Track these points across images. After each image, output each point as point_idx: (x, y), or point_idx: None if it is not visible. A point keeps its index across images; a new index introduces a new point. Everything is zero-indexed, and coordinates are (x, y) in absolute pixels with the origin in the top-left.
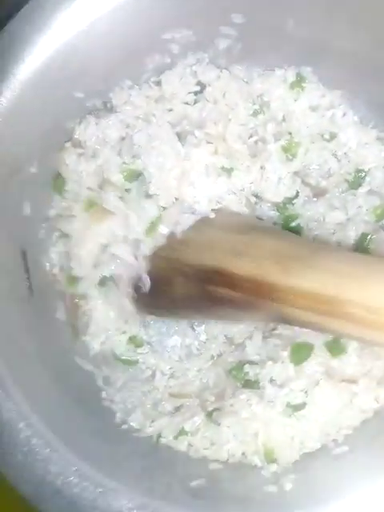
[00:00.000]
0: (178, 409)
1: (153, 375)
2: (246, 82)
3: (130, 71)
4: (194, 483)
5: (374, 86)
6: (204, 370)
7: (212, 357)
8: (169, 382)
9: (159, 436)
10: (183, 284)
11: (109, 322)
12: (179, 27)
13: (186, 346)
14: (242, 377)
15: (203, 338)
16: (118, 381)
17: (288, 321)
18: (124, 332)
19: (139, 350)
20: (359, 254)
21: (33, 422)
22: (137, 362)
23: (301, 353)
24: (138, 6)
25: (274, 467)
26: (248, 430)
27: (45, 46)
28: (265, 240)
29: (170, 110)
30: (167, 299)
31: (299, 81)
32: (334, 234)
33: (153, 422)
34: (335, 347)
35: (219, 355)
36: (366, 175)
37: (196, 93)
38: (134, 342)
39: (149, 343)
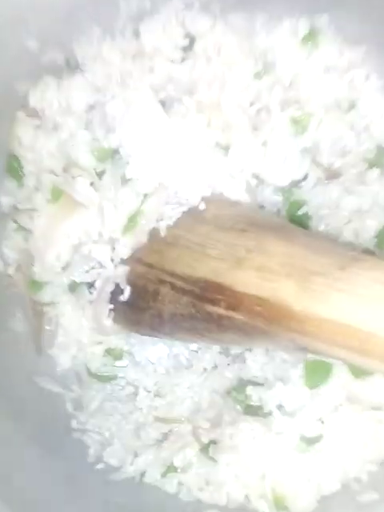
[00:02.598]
0: (165, 436)
1: (135, 393)
2: (247, 36)
3: (101, 16)
4: None
5: None
6: (196, 387)
7: (205, 370)
8: (154, 402)
9: (143, 475)
10: (172, 299)
11: (81, 331)
12: None
13: (174, 356)
14: (243, 400)
15: (194, 346)
16: (91, 403)
17: (307, 351)
18: (100, 342)
19: (118, 363)
20: None
21: None
22: (115, 377)
23: (317, 374)
24: None
25: None
26: (252, 469)
27: None
28: (273, 242)
29: (152, 70)
30: (152, 315)
31: (312, 34)
32: (349, 223)
33: (135, 456)
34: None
35: (214, 368)
36: None
37: (184, 48)
38: (112, 353)
39: (130, 354)
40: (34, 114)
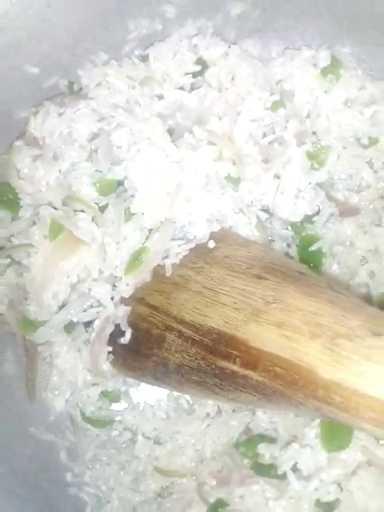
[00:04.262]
0: (166, 490)
1: (133, 439)
2: (263, 64)
3: (107, 39)
4: None
5: None
6: (198, 435)
7: (208, 415)
8: (153, 450)
9: None
10: (179, 348)
11: (76, 372)
12: None
13: (174, 399)
14: (252, 456)
15: None
16: (87, 451)
17: (338, 421)
18: (95, 384)
19: (114, 407)
20: None
21: None
22: (112, 421)
23: (336, 437)
24: None
25: None
26: None
27: None
28: (294, 295)
29: (161, 98)
30: (155, 363)
31: (333, 65)
32: (365, 264)
33: None
34: None
35: (218, 414)
36: None
37: (195, 74)
38: (109, 395)
39: (127, 395)
40: (33, 142)
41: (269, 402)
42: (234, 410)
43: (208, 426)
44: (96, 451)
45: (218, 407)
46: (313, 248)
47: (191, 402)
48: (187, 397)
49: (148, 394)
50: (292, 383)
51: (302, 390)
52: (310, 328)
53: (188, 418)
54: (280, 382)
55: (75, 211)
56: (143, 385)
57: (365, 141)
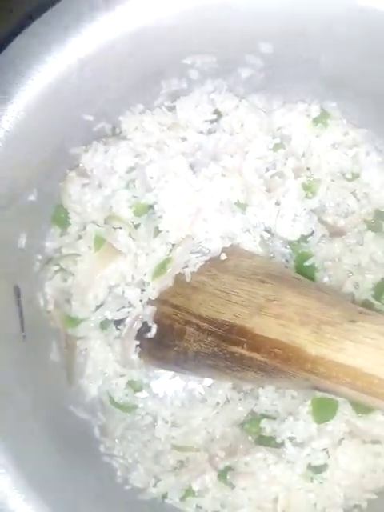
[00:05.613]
0: (182, 463)
1: (153, 423)
2: (266, 114)
3: (144, 95)
4: None
5: None
6: (209, 419)
7: (217, 404)
8: (171, 431)
9: (164, 497)
10: (197, 338)
11: (107, 364)
12: (202, 53)
13: (189, 391)
14: (256, 431)
15: (208, 382)
16: (115, 430)
17: (321, 390)
18: (122, 375)
19: (138, 395)
20: None
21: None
22: (136, 407)
23: (324, 411)
24: (162, 29)
25: None
26: (266, 493)
27: (55, 66)
28: (289, 294)
29: (184, 139)
30: (177, 353)
31: (322, 116)
32: (350, 276)
33: (157, 480)
34: (361, 405)
35: (226, 402)
36: None
37: (212, 121)
38: (133, 386)
39: (148, 386)
40: (83, 173)
41: (269, 378)
42: (240, 399)
43: (217, 412)
44: (123, 431)
45: (226, 397)
46: (307, 263)
47: (203, 393)
48: (200, 388)
49: (166, 386)
50: (287, 360)
51: (295, 365)
52: (301, 318)
53: (201, 405)
54: (278, 360)
55: (114, 228)
56: (162, 378)
57: (349, 176)
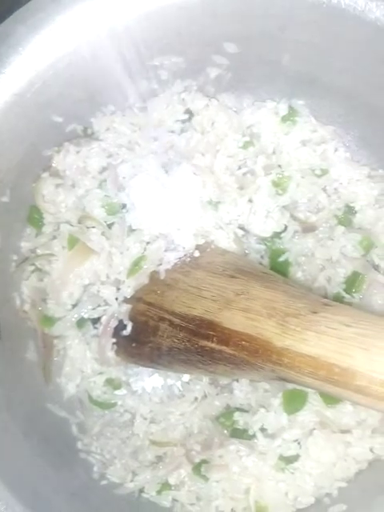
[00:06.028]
0: (160, 458)
1: (132, 420)
2: (236, 112)
3: (115, 96)
4: None
5: (366, 124)
6: (187, 414)
7: (196, 399)
8: (149, 428)
9: (141, 491)
10: (170, 334)
11: (85, 362)
12: (170, 54)
13: (168, 387)
14: (230, 424)
15: (186, 378)
16: (93, 427)
17: (287, 381)
18: (101, 373)
19: (117, 392)
20: (365, 313)
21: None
22: (114, 404)
23: (294, 402)
24: (130, 32)
25: None
26: (239, 485)
27: (23, 68)
28: (257, 288)
29: (156, 139)
30: (151, 349)
31: (291, 114)
32: (323, 270)
33: (134, 475)
34: (330, 396)
35: (204, 397)
36: (356, 212)
37: (183, 121)
38: (112, 383)
39: (127, 384)
40: (56, 174)
41: (239, 370)
42: (217, 394)
43: (196, 407)
44: (101, 428)
45: (204, 392)
46: (281, 259)
47: (182, 389)
48: (179, 385)
49: (146, 383)
50: (254, 352)
51: (262, 356)
52: (268, 311)
53: (179, 401)
54: (245, 353)
55: (88, 227)
56: (141, 375)
57: (318, 172)
